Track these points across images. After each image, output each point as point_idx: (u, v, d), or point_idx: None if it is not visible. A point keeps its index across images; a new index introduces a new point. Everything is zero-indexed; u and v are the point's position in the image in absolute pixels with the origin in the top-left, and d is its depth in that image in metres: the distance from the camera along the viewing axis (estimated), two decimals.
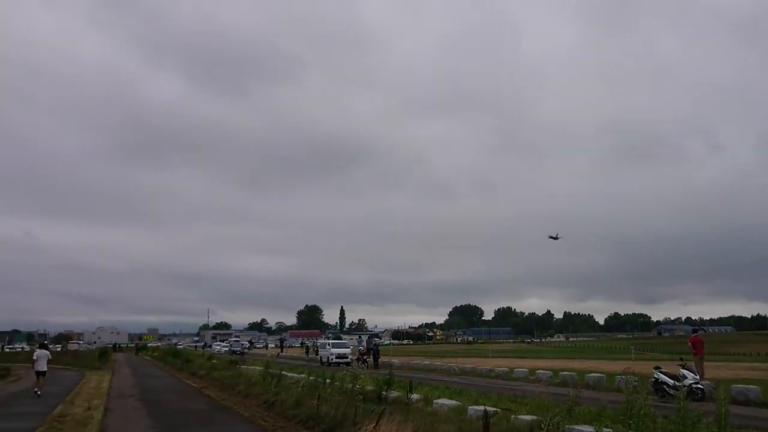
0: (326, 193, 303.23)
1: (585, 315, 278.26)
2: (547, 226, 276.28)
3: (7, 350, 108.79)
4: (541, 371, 33.76)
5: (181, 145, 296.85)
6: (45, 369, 26.86)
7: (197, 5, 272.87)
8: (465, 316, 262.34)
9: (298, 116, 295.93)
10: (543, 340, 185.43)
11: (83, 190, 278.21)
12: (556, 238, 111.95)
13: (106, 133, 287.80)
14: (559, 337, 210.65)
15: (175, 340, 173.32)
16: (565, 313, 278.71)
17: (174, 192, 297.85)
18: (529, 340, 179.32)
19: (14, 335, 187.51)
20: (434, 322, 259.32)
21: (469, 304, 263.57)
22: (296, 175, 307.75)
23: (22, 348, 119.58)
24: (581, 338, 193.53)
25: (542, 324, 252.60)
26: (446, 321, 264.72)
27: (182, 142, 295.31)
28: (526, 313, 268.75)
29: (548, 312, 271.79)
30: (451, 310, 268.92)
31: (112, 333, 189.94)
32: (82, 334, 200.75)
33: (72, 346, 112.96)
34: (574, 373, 31.26)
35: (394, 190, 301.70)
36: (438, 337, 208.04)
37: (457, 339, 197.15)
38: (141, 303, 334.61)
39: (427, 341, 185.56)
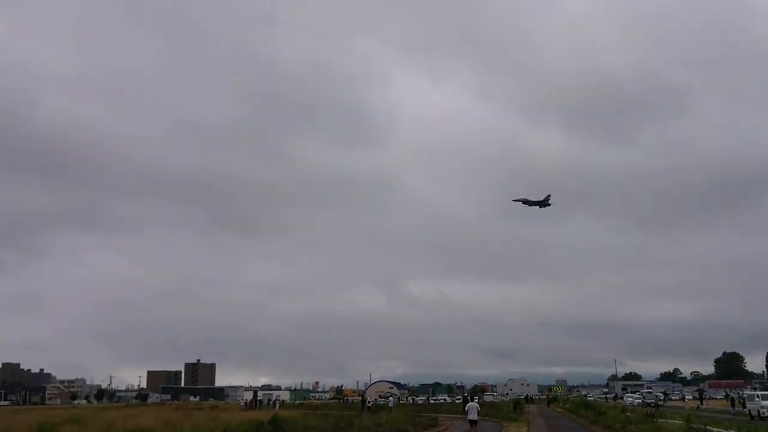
0: (735, 227, 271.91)
1: None
2: None
3: (432, 401, 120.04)
4: None
5: (571, 196, 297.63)
6: (476, 418, 30.49)
7: (569, 56, 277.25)
8: None
9: (692, 149, 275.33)
10: None
11: (482, 247, 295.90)
12: (543, 204, 69.36)
13: (496, 191, 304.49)
14: None
15: (584, 392, 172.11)
16: None
17: (570, 242, 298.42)
18: None
19: (436, 387, 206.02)
20: None
21: None
22: (698, 211, 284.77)
23: (444, 400, 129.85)
24: None
25: None
26: None
27: (572, 192, 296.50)
28: None
29: None
30: None
31: (522, 384, 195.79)
32: (495, 385, 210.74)
33: (487, 398, 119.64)
34: None
35: None
36: None
37: None
38: (547, 354, 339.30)
39: None
